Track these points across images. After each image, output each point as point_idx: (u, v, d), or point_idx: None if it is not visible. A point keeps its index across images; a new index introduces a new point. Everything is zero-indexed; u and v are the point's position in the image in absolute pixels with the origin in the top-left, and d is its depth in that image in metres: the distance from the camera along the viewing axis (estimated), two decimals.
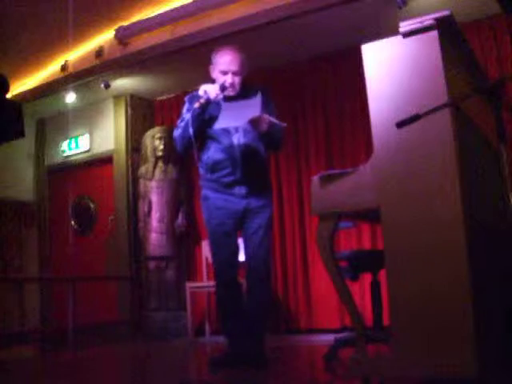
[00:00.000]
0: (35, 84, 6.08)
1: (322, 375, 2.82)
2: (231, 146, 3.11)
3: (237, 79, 3.12)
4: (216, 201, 3.17)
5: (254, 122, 2.97)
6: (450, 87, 2.01)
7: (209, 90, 3.03)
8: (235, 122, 3.04)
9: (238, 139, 3.12)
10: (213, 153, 3.16)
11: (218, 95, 3.04)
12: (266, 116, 2.97)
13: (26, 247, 6.66)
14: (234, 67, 3.11)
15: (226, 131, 3.13)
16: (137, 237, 5.89)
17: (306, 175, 5.27)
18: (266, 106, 3.05)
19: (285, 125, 3.06)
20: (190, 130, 3.05)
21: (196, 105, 3.03)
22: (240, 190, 3.14)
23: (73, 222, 6.61)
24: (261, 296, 3.13)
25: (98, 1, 4.94)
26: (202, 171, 3.24)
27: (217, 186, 3.17)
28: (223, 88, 3.06)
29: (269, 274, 3.19)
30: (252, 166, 3.13)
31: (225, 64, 3.12)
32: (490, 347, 2.02)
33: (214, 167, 3.16)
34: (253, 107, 2.92)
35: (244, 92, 3.15)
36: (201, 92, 3.04)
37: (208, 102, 3.02)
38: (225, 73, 3.12)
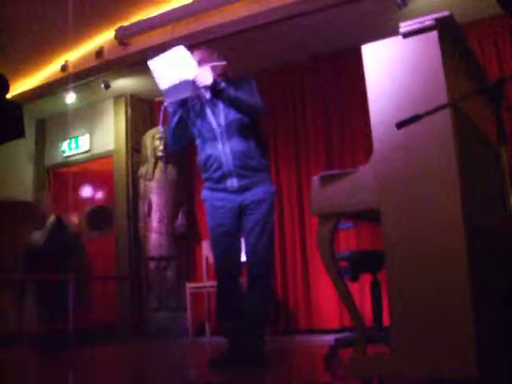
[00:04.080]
0: (35, 84, 6.09)
1: (322, 375, 2.82)
2: (214, 138, 3.15)
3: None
4: (213, 201, 3.20)
5: (198, 81, 3.01)
6: (449, 87, 2.01)
7: None
8: (181, 96, 3.08)
9: (220, 132, 3.16)
10: (201, 151, 3.23)
11: None
12: (201, 70, 3.02)
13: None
14: (195, 59, 3.20)
15: (209, 126, 3.17)
16: (137, 237, 5.89)
17: (305, 175, 5.27)
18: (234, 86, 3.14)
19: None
20: (169, 135, 3.27)
21: (165, 102, 3.14)
22: (232, 182, 3.15)
23: (86, 224, 6.66)
24: (259, 294, 3.12)
25: (98, 1, 4.95)
26: (201, 173, 3.30)
27: (211, 183, 3.22)
28: None
29: (269, 272, 3.17)
30: (240, 156, 3.12)
31: None
32: (490, 347, 2.02)
33: (204, 165, 3.22)
34: (187, 67, 3.00)
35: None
36: None
37: None
38: None
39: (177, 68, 2.99)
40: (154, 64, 3.05)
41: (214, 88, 3.07)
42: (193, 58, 3.04)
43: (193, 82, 3.00)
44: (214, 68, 3.19)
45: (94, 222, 6.77)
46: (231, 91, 3.07)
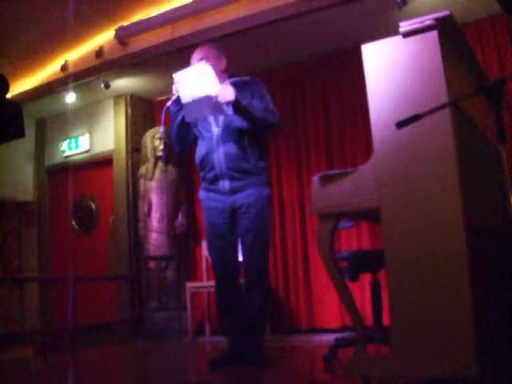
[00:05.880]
0: (35, 84, 6.08)
1: (322, 375, 2.82)
2: (211, 139, 3.14)
3: None
4: (207, 202, 3.21)
5: (221, 97, 2.94)
6: (450, 87, 2.01)
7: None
8: (202, 114, 3.08)
9: (216, 132, 3.15)
10: (199, 150, 3.23)
11: None
12: (223, 87, 2.97)
13: (26, 247, 6.65)
14: (198, 57, 3.19)
15: (208, 126, 3.16)
16: (137, 237, 5.88)
17: (306, 175, 5.27)
18: (245, 90, 3.12)
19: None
20: (173, 135, 3.27)
21: (168, 103, 3.13)
22: (224, 184, 3.14)
23: (73, 222, 6.61)
24: (255, 298, 3.12)
25: (98, 1, 4.94)
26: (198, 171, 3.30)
27: (205, 183, 3.22)
28: None
29: (263, 277, 3.16)
30: (233, 159, 3.10)
31: (191, 61, 3.22)
32: (490, 347, 2.01)
33: (200, 164, 3.22)
34: (209, 83, 2.98)
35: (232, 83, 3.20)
36: (174, 91, 3.12)
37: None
38: None
39: (200, 83, 2.96)
40: (178, 77, 3.04)
41: (235, 104, 2.98)
42: (213, 74, 2.98)
43: (215, 98, 2.94)
44: (216, 65, 3.15)
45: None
46: (253, 109, 3.03)
